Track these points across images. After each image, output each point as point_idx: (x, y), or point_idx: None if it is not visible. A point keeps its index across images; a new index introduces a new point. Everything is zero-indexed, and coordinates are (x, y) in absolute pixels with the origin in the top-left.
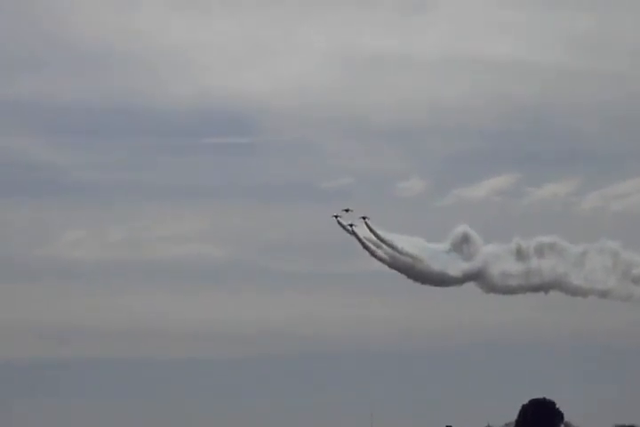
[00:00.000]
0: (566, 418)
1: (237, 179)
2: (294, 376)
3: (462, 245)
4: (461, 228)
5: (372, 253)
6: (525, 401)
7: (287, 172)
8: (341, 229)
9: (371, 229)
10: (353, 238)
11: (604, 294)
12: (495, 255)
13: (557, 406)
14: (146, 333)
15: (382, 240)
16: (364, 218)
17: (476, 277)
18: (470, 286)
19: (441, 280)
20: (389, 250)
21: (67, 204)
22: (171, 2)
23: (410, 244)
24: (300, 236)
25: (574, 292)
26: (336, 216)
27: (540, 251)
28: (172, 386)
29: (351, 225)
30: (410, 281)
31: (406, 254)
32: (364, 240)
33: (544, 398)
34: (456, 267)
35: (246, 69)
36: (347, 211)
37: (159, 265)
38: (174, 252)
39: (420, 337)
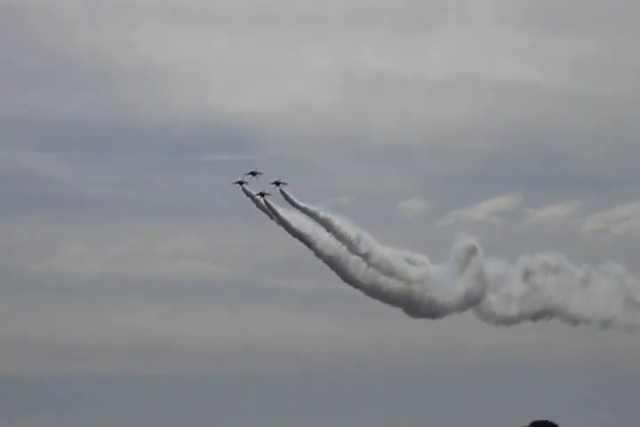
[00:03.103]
0: None
1: (236, 196)
2: (291, 394)
3: (465, 260)
4: (466, 241)
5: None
6: (527, 423)
7: (286, 190)
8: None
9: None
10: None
11: (606, 324)
12: (495, 275)
13: None
14: (143, 348)
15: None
16: (277, 184)
17: (476, 302)
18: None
19: (441, 313)
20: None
21: (66, 219)
22: (171, 19)
23: (412, 263)
24: (299, 253)
25: (576, 321)
26: (240, 182)
27: (541, 273)
28: (170, 402)
29: (262, 194)
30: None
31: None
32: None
33: (546, 421)
34: (456, 289)
35: (246, 87)
36: (253, 174)
37: (158, 281)
38: (173, 268)
39: (417, 358)
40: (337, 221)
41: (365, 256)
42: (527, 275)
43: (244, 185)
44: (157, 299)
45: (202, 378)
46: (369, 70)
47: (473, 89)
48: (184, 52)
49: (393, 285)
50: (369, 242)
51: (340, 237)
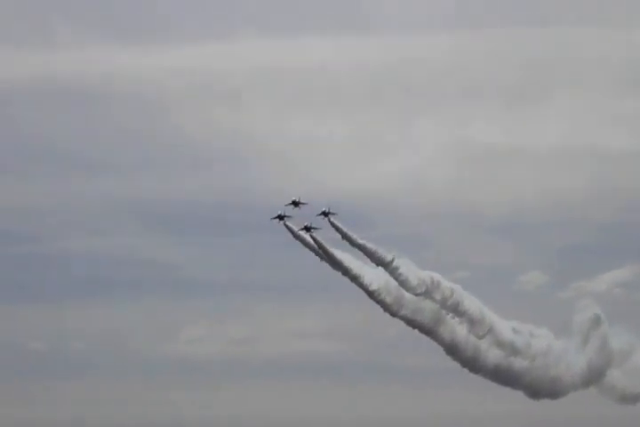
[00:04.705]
0: None
1: None
2: None
3: (589, 331)
4: (590, 311)
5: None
6: None
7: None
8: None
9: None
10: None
11: None
12: (620, 348)
13: None
14: None
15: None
16: (325, 214)
17: (600, 377)
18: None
19: (563, 392)
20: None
21: (186, 301)
22: (284, 102)
23: (537, 338)
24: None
25: None
26: (280, 217)
27: None
28: None
29: (308, 229)
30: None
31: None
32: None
33: None
34: (579, 365)
35: (360, 166)
36: (296, 204)
37: (279, 361)
38: (294, 348)
39: None
40: (463, 300)
41: (487, 335)
42: None
43: (285, 220)
44: (279, 379)
45: None
46: (481, 144)
47: (587, 159)
48: (297, 131)
49: (515, 366)
50: (490, 318)
51: (461, 313)
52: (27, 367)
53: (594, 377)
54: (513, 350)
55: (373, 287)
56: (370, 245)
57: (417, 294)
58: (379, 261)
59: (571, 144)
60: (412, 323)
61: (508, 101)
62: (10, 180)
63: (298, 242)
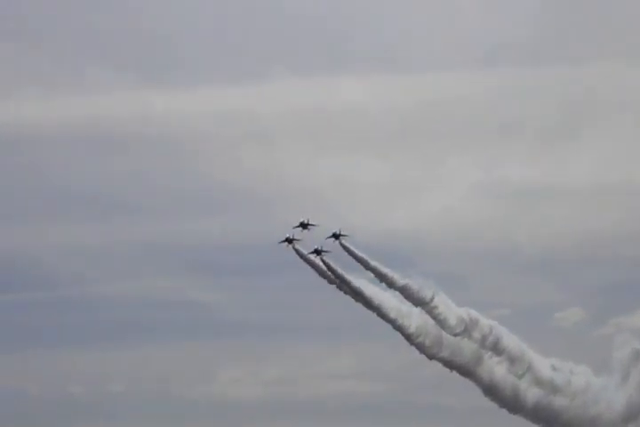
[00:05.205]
0: None
1: None
2: None
3: (629, 367)
4: (629, 346)
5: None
6: None
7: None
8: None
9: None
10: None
11: None
12: None
13: None
14: None
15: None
16: (336, 237)
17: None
18: None
19: None
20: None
21: (223, 342)
22: (316, 143)
23: (576, 376)
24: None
25: None
26: (289, 240)
27: None
28: None
29: (318, 252)
30: None
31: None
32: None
33: None
34: (618, 402)
35: (395, 205)
36: (305, 226)
37: (316, 402)
38: (331, 389)
39: None
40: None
41: (526, 373)
42: None
43: (294, 243)
44: (317, 420)
45: None
46: (516, 181)
47: (623, 195)
48: (329, 172)
49: (555, 405)
50: (529, 355)
51: (500, 351)
52: (66, 410)
53: (634, 414)
54: (552, 388)
55: (411, 330)
56: (410, 285)
57: (455, 334)
58: (417, 301)
59: (606, 179)
60: (450, 364)
61: (542, 140)
62: (45, 223)
63: (332, 285)
